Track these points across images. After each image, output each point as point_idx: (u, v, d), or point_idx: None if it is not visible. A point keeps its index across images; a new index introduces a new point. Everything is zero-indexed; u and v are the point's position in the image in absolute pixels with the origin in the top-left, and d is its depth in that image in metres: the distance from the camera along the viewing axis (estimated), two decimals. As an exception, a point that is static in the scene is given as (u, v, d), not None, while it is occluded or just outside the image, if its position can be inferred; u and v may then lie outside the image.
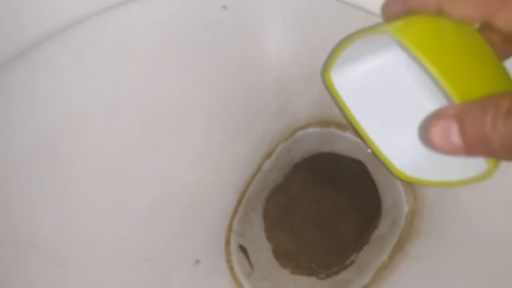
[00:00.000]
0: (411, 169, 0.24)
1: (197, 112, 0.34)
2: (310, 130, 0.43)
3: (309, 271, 0.44)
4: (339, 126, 0.42)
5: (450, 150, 0.18)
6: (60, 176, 0.30)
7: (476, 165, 0.20)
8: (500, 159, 0.18)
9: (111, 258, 0.32)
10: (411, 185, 0.42)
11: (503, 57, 0.18)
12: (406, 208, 0.42)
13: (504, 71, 0.19)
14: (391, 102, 0.25)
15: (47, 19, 0.26)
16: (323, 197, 0.49)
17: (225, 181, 0.39)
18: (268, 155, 0.43)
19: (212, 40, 0.32)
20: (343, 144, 0.44)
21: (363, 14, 0.29)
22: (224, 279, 0.39)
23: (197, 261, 0.37)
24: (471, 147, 0.18)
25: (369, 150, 0.26)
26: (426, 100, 0.22)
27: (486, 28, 0.19)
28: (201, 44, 0.32)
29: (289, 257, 0.45)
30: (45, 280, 0.30)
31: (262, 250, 0.44)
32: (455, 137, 0.18)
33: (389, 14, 0.22)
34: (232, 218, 0.41)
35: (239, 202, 0.42)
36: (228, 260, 0.40)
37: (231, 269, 0.40)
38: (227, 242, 0.41)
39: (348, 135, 0.42)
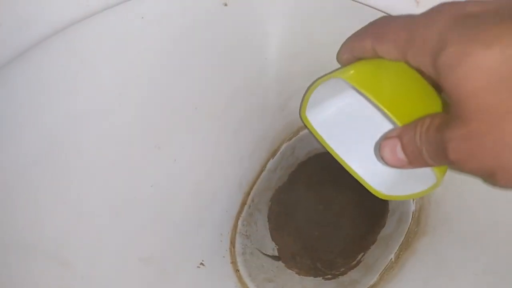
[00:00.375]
0: (386, 188, 0.30)
1: (198, 111, 0.34)
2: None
3: (315, 272, 0.44)
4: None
5: (398, 164, 0.23)
6: (63, 177, 0.30)
7: (429, 177, 0.26)
8: (435, 166, 0.23)
9: (115, 260, 0.32)
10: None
11: None
12: (412, 206, 0.42)
13: (434, 94, 0.24)
14: (360, 132, 0.31)
15: (48, 17, 0.26)
16: (329, 197, 0.49)
17: (228, 181, 0.39)
18: (272, 155, 0.43)
19: (213, 38, 0.32)
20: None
21: (362, 9, 0.29)
22: (229, 281, 0.39)
23: (202, 263, 0.37)
24: (411, 158, 0.23)
25: None
26: (385, 126, 0.27)
27: None
28: (202, 42, 0.32)
29: (295, 257, 0.44)
30: (50, 282, 0.30)
31: (268, 251, 0.44)
32: (400, 153, 0.23)
33: (341, 61, 0.28)
34: (237, 218, 0.41)
35: (243, 203, 0.41)
36: (233, 262, 0.40)
37: (236, 271, 0.40)
38: (232, 244, 0.40)
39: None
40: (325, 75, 0.27)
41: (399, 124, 0.23)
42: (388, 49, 0.23)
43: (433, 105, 0.24)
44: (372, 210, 0.46)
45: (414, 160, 0.23)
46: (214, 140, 0.36)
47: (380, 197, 0.29)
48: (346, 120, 0.32)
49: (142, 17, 0.29)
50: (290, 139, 0.43)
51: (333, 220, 0.48)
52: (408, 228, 0.41)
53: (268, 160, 0.43)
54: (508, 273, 0.34)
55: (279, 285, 0.41)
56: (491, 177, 0.19)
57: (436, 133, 0.21)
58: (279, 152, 0.43)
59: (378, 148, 0.24)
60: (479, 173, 0.20)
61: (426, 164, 0.23)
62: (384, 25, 0.24)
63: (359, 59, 0.26)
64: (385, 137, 0.24)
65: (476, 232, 0.36)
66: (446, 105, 0.24)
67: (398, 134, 0.23)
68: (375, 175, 0.31)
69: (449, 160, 0.20)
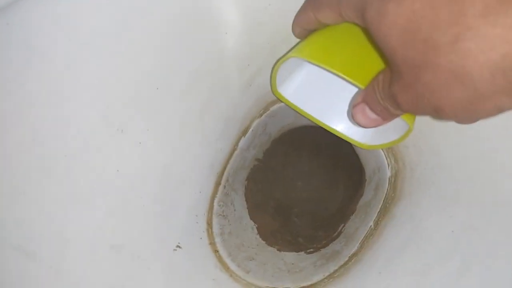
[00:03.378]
0: (369, 140, 0.32)
1: (160, 91, 0.33)
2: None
3: (297, 247, 0.43)
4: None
5: (374, 123, 0.26)
6: (21, 166, 0.29)
7: (403, 124, 0.29)
8: (406, 113, 0.25)
9: (85, 248, 0.31)
10: (391, 148, 0.41)
11: None
12: (388, 172, 0.42)
13: (375, 51, 0.26)
14: (331, 94, 0.33)
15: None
16: (306, 172, 0.48)
17: (198, 161, 0.38)
18: (244, 133, 0.42)
19: (167, 14, 0.31)
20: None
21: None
22: (209, 262, 0.38)
23: (178, 246, 0.36)
24: (383, 116, 0.25)
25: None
26: (349, 85, 0.28)
27: None
28: (155, 19, 0.31)
29: (275, 235, 0.44)
30: (15, 276, 0.29)
31: (247, 230, 0.43)
32: (371, 114, 0.25)
33: (296, 36, 0.31)
34: (212, 199, 0.40)
35: (217, 183, 0.41)
36: (212, 243, 0.39)
37: (216, 251, 0.39)
38: (209, 225, 0.40)
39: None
40: (284, 55, 0.30)
41: (361, 86, 0.25)
42: (326, 14, 0.26)
43: (378, 61, 0.26)
44: (350, 181, 0.46)
45: (385, 116, 0.25)
46: (179, 121, 0.35)
47: (365, 148, 0.32)
48: (316, 86, 0.34)
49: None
50: (261, 115, 0.43)
51: (312, 194, 0.47)
52: (386, 194, 0.41)
53: (239, 139, 0.42)
54: (484, 225, 0.34)
55: (261, 263, 0.41)
56: (437, 115, 0.21)
57: (388, 89, 0.23)
58: (250, 130, 0.42)
59: (351, 116, 0.26)
60: (427, 114, 0.22)
61: (396, 116, 0.25)
62: None
63: (310, 31, 0.29)
64: (353, 104, 0.26)
65: (451, 190, 0.36)
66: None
67: (363, 99, 0.25)
68: (356, 130, 0.33)
69: (404, 109, 0.23)
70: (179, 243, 0.36)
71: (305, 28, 0.29)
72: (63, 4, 0.27)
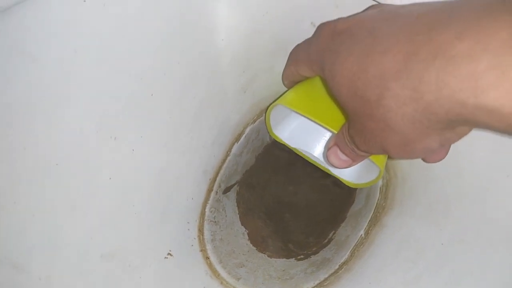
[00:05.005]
0: (354, 179, 0.36)
1: (154, 98, 0.33)
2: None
3: (288, 253, 0.43)
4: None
5: (346, 164, 0.29)
6: (11, 172, 0.28)
7: (375, 168, 0.33)
8: (374, 156, 0.29)
9: (75, 258, 0.31)
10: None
11: None
12: (380, 181, 0.42)
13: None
14: (321, 138, 0.38)
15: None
16: (298, 178, 0.48)
17: (192, 168, 0.37)
18: (237, 139, 0.42)
19: (162, 20, 0.30)
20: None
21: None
22: (200, 269, 0.38)
23: (169, 253, 0.36)
24: (352, 157, 0.28)
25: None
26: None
27: None
28: (150, 25, 0.30)
29: (266, 240, 0.44)
30: (4, 286, 0.28)
31: (238, 236, 0.43)
32: (341, 155, 0.28)
33: (285, 86, 0.35)
34: (204, 206, 0.40)
35: (209, 189, 0.40)
36: (203, 250, 0.39)
37: (206, 258, 0.39)
38: (200, 231, 0.39)
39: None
40: (273, 101, 0.34)
41: (334, 131, 0.29)
42: (303, 69, 0.30)
43: (339, 112, 0.30)
44: (341, 189, 0.46)
45: (353, 157, 0.28)
46: (173, 127, 0.35)
47: (352, 186, 0.36)
48: (307, 129, 0.38)
49: (84, 0, 0.27)
50: (254, 121, 0.42)
51: (303, 201, 0.47)
52: (376, 203, 0.41)
53: (233, 145, 0.42)
54: (473, 239, 0.34)
55: (251, 269, 0.41)
56: (388, 155, 0.25)
57: (348, 134, 0.26)
58: (243, 136, 0.42)
59: (326, 157, 0.30)
60: (380, 153, 0.25)
61: (363, 157, 0.28)
62: (297, 51, 0.31)
63: (295, 82, 0.33)
64: (328, 147, 0.29)
65: (441, 202, 0.36)
66: None
67: (335, 142, 0.29)
68: (344, 170, 0.36)
69: (362, 150, 0.26)
70: (170, 250, 0.36)
71: (291, 80, 0.33)
72: (55, 9, 0.26)
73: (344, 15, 0.32)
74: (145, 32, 0.31)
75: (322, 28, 0.27)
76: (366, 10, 0.27)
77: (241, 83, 0.38)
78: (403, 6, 0.23)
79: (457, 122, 0.19)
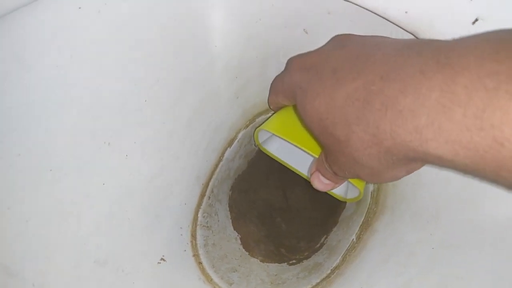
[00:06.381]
0: (343, 193, 0.39)
1: (148, 104, 0.33)
2: (271, 115, 0.43)
3: (280, 258, 0.44)
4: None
5: (329, 187, 0.31)
6: (4, 179, 0.28)
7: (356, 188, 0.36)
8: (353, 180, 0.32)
9: (68, 264, 0.30)
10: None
11: None
12: (371, 186, 0.42)
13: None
14: (306, 158, 0.39)
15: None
16: (289, 183, 0.48)
17: (185, 173, 0.38)
18: (230, 144, 0.42)
19: (156, 27, 0.30)
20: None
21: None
22: (192, 274, 0.38)
23: (162, 258, 0.36)
24: (333, 180, 0.30)
25: None
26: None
27: None
28: (144, 31, 0.30)
29: (258, 245, 0.44)
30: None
31: (231, 240, 0.43)
32: (324, 179, 0.30)
33: (271, 109, 0.36)
34: (196, 211, 0.40)
35: (202, 194, 0.41)
36: (196, 255, 0.39)
37: (199, 263, 0.39)
38: (193, 236, 0.39)
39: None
40: (260, 125, 0.37)
41: (314, 155, 0.31)
42: (282, 99, 0.32)
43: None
44: (333, 193, 0.47)
45: (335, 180, 0.30)
46: (166, 133, 0.35)
47: (341, 200, 0.39)
48: (293, 148, 0.40)
49: (80, 7, 0.27)
50: (247, 126, 0.43)
51: (295, 205, 0.48)
52: (368, 208, 0.42)
53: (225, 150, 0.42)
54: (463, 244, 0.35)
55: (244, 274, 0.41)
56: (363, 180, 0.27)
57: (326, 162, 0.28)
58: (236, 141, 0.42)
59: (311, 182, 0.31)
60: (356, 178, 0.27)
61: (344, 180, 0.31)
62: (276, 82, 0.33)
63: (280, 107, 0.36)
64: (310, 172, 0.31)
65: (432, 208, 0.37)
66: None
67: (316, 167, 0.31)
68: None
69: (340, 176, 0.28)
70: (163, 255, 0.36)
71: (275, 106, 0.35)
72: (50, 16, 0.26)
73: (337, 22, 0.32)
74: (140, 38, 0.31)
75: (292, 62, 0.29)
76: (334, 43, 0.28)
77: (234, 89, 0.39)
78: (364, 44, 0.25)
79: (418, 159, 0.21)
